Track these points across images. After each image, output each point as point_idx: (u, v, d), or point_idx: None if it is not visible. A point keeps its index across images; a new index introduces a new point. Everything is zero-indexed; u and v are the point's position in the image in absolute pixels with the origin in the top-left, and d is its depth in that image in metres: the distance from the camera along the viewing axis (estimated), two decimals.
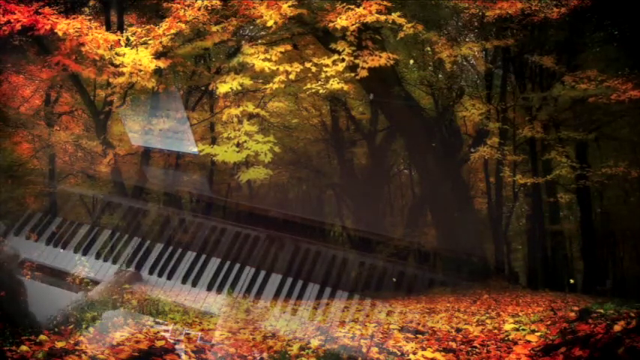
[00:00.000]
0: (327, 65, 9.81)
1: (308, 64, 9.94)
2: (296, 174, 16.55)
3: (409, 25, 9.78)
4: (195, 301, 8.52)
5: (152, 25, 10.03)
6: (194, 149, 11.46)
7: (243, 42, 11.18)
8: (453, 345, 5.68)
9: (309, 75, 10.26)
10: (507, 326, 6.32)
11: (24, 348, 4.04)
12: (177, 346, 5.01)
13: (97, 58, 9.91)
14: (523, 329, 6.04)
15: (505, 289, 10.55)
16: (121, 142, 12.24)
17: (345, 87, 9.90)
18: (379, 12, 9.47)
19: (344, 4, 9.96)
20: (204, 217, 11.27)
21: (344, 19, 9.56)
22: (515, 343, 5.53)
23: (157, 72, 10.31)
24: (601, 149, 13.59)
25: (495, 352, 5.37)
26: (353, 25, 9.54)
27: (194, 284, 9.27)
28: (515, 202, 14.35)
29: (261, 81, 11.55)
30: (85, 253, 9.58)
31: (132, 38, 9.94)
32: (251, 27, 12.25)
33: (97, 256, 9.60)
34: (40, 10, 9.22)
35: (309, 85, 10.02)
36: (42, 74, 11.47)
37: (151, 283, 9.10)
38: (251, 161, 10.93)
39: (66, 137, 12.26)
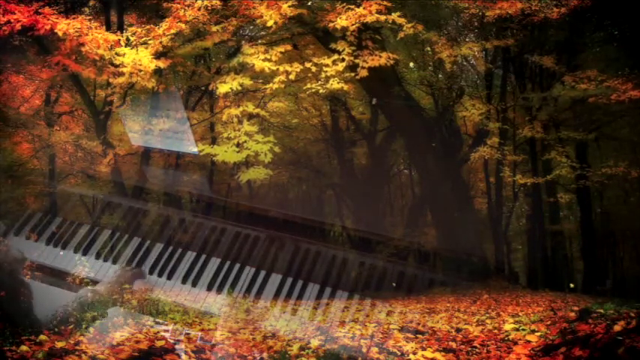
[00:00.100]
0: (327, 65, 9.81)
1: (308, 64, 9.94)
2: (296, 174, 16.55)
3: (409, 25, 9.78)
4: (195, 301, 8.52)
5: (152, 25, 10.03)
6: (194, 149, 11.46)
7: (243, 42, 11.18)
8: (453, 345, 5.68)
9: (309, 75, 10.26)
10: (507, 326, 6.32)
11: (24, 348, 4.04)
12: (177, 346, 5.01)
13: (97, 58, 9.91)
14: (523, 329, 6.04)
15: (505, 289, 10.55)
16: (121, 142, 12.23)
17: (345, 87, 9.90)
18: (379, 12, 9.47)
19: (344, 4, 9.96)
20: (204, 217, 11.26)
21: (344, 19, 9.56)
22: (515, 343, 5.53)
23: (157, 72, 10.31)
24: (601, 149, 13.59)
25: (495, 352, 5.37)
26: (353, 25, 9.54)
27: (194, 284, 9.26)
28: (515, 202, 14.35)
29: (261, 81, 11.55)
30: (85, 253, 9.57)
31: (132, 38, 9.94)
32: (251, 27, 12.25)
33: (97, 256, 9.60)
34: (40, 10, 9.21)
35: (309, 85, 10.02)
36: (42, 74, 11.47)
37: (151, 283, 9.10)
38: (251, 161, 10.93)
39: (66, 137, 12.26)
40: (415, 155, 14.00)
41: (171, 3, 9.95)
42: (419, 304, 8.72)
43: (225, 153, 10.20)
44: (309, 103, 15.37)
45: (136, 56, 9.54)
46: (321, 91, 9.82)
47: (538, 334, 5.69)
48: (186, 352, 4.94)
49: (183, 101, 12.85)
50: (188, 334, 5.67)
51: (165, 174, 13.76)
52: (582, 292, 11.75)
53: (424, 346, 5.60)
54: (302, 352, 5.18)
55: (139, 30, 10.03)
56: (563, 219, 14.86)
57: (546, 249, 12.60)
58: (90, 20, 9.77)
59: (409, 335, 6.10)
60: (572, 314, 5.98)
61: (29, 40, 10.85)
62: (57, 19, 9.26)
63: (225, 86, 10.02)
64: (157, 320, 6.06)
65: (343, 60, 9.76)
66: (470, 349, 5.54)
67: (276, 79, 9.92)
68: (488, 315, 7.46)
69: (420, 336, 6.09)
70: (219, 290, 9.14)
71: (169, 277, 9.37)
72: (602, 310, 5.20)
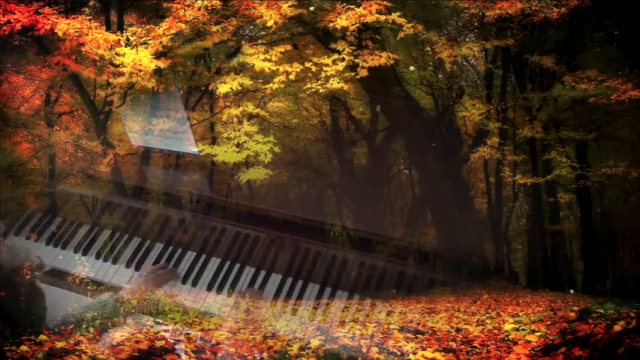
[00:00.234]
0: (327, 65, 9.81)
1: (308, 64, 9.94)
2: (296, 174, 16.55)
3: (409, 25, 9.78)
4: (195, 301, 8.51)
5: (152, 25, 10.03)
6: (194, 149, 11.45)
7: (243, 42, 11.17)
8: (453, 345, 5.67)
9: (309, 75, 10.26)
10: (507, 326, 6.32)
11: (24, 348, 4.04)
12: (177, 346, 5.01)
13: (97, 58, 9.90)
14: (523, 329, 6.04)
15: (505, 289, 10.55)
16: (121, 142, 12.23)
17: (345, 86, 9.90)
18: (379, 12, 9.47)
19: (344, 4, 9.96)
20: (204, 217, 11.26)
21: (344, 19, 9.56)
22: (515, 343, 5.53)
23: (157, 72, 10.31)
24: (601, 149, 13.59)
25: (495, 352, 5.37)
26: (353, 25, 9.54)
27: (194, 284, 9.25)
28: (515, 202, 14.35)
29: (261, 81, 11.55)
30: (85, 253, 9.55)
31: (132, 38, 9.93)
32: (251, 27, 12.25)
33: (97, 256, 9.58)
34: (40, 10, 9.21)
35: (309, 85, 10.01)
36: (42, 74, 11.46)
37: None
38: (251, 161, 10.93)
39: (66, 137, 12.25)
40: (415, 155, 14.00)
41: (171, 3, 9.95)
42: (419, 304, 8.72)
43: (225, 153, 10.19)
44: (309, 103, 15.37)
45: (136, 56, 9.54)
46: (321, 90, 9.82)
47: (538, 334, 5.69)
48: (186, 352, 4.94)
49: (183, 101, 12.85)
50: (188, 334, 5.67)
51: (165, 174, 13.75)
52: (582, 292, 11.75)
53: (424, 346, 5.60)
54: (302, 352, 5.17)
55: (139, 30, 10.02)
56: (563, 219, 14.85)
57: (546, 249, 12.60)
58: (90, 20, 9.77)
59: (409, 335, 6.10)
60: (572, 314, 5.99)
61: (29, 40, 10.84)
62: (57, 19, 9.26)
63: (225, 86, 10.02)
64: (157, 320, 6.06)
65: (343, 60, 9.76)
66: (470, 349, 5.53)
67: (276, 79, 9.92)
68: (488, 315, 7.46)
69: (420, 336, 6.09)
70: (219, 290, 9.14)
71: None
72: (602, 310, 5.20)
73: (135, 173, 13.09)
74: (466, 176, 15.00)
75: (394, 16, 9.56)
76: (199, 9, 9.68)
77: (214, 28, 10.11)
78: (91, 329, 4.91)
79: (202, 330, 6.08)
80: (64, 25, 9.12)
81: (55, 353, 4.11)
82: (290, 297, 9.06)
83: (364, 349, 5.44)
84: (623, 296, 11.09)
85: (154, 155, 13.03)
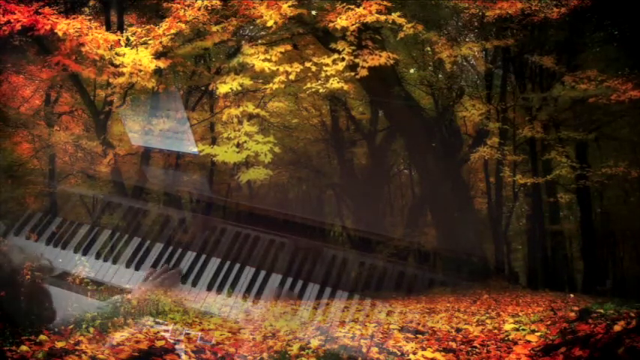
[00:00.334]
0: (327, 64, 9.81)
1: (308, 64, 9.94)
2: (296, 174, 16.55)
3: (409, 25, 9.78)
4: (195, 301, 8.51)
5: (152, 25, 10.03)
6: (194, 149, 11.45)
7: (243, 42, 11.17)
8: (453, 345, 5.68)
9: (309, 74, 10.26)
10: (507, 326, 6.32)
11: (24, 348, 4.04)
12: (177, 346, 5.01)
13: (97, 58, 9.90)
14: (523, 329, 6.04)
15: (505, 289, 10.55)
16: (121, 142, 12.23)
17: (345, 86, 9.90)
18: (379, 12, 9.47)
19: (344, 4, 9.96)
20: (204, 217, 11.26)
21: (344, 19, 9.56)
22: (515, 343, 5.53)
23: (157, 72, 10.31)
24: (601, 149, 13.58)
25: (495, 352, 5.37)
26: (353, 25, 9.54)
27: (194, 284, 9.26)
28: (515, 202, 14.35)
29: (261, 81, 11.55)
30: (85, 253, 9.56)
31: (132, 38, 9.93)
32: (251, 27, 12.25)
33: (97, 256, 9.59)
34: (40, 10, 9.21)
35: (309, 85, 10.01)
36: (42, 74, 11.46)
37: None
38: (251, 162, 10.93)
39: (66, 137, 12.25)
40: (415, 155, 14.00)
41: (171, 3, 9.95)
42: (419, 304, 8.72)
43: (225, 153, 10.20)
44: (309, 103, 15.37)
45: (136, 56, 9.54)
46: (321, 90, 9.82)
47: (538, 334, 5.69)
48: (186, 352, 4.95)
49: (183, 101, 12.85)
50: (188, 334, 5.67)
51: (165, 174, 13.75)
52: (582, 292, 11.75)
53: (424, 346, 5.60)
54: (302, 352, 5.18)
55: (139, 30, 10.02)
56: (563, 219, 14.85)
57: (546, 249, 12.59)
58: (90, 20, 9.77)
59: (409, 335, 6.10)
60: (572, 314, 5.99)
61: (29, 40, 10.84)
62: (57, 19, 9.26)
63: (225, 86, 10.01)
64: (157, 320, 6.06)
65: (343, 59, 9.76)
66: (470, 349, 5.54)
67: (276, 79, 9.92)
68: (488, 315, 7.46)
69: (420, 336, 6.09)
70: (219, 290, 9.14)
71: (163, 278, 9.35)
72: (602, 310, 5.20)
73: (135, 173, 13.09)
74: (466, 176, 15.00)
75: (394, 16, 9.56)
76: (199, 9, 9.68)
77: (214, 28, 10.11)
78: (91, 329, 4.91)
79: (202, 330, 6.09)
80: (64, 25, 9.12)
81: (55, 353, 4.11)
82: (290, 297, 9.06)
83: (364, 349, 5.44)
84: (623, 296, 11.09)
85: (154, 155, 13.03)
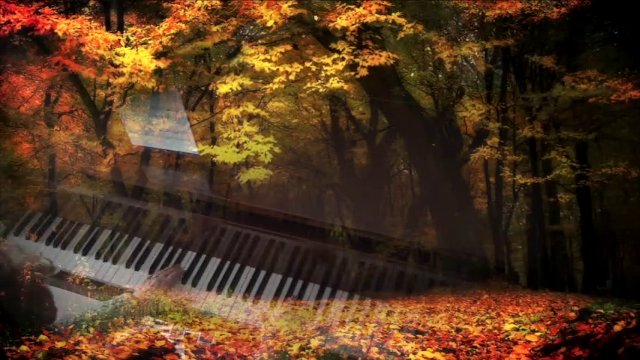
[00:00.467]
0: (327, 64, 9.81)
1: (308, 64, 9.94)
2: (296, 174, 16.54)
3: (409, 25, 9.78)
4: (195, 301, 8.52)
5: (152, 25, 10.03)
6: (194, 149, 11.46)
7: (243, 42, 11.17)
8: (453, 345, 5.68)
9: (309, 74, 10.26)
10: (507, 326, 6.32)
11: (24, 348, 4.04)
12: (177, 346, 5.01)
13: (97, 58, 9.90)
14: (523, 329, 6.04)
15: (505, 289, 10.55)
16: (121, 142, 12.23)
17: (345, 86, 9.90)
18: (379, 12, 9.47)
19: (344, 4, 9.96)
20: (204, 217, 11.27)
21: (344, 19, 9.56)
22: (515, 343, 5.54)
23: (157, 72, 10.31)
24: (601, 149, 13.58)
25: (495, 352, 5.37)
26: (353, 25, 9.54)
27: (194, 284, 9.27)
28: (515, 202, 14.34)
29: (261, 81, 11.55)
30: (85, 253, 9.58)
31: (132, 38, 9.93)
32: (251, 27, 12.25)
33: (97, 256, 9.61)
34: (40, 10, 9.21)
35: (309, 84, 10.01)
36: (42, 74, 11.47)
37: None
38: (251, 162, 10.93)
39: (66, 137, 12.25)
40: (415, 155, 14.00)
41: (171, 3, 9.95)
42: (419, 304, 8.72)
43: (225, 153, 10.20)
44: (309, 103, 15.37)
45: (136, 56, 9.54)
46: (321, 90, 9.82)
47: (538, 334, 5.69)
48: (186, 352, 4.95)
49: (183, 101, 12.85)
50: (188, 334, 5.67)
51: (165, 174, 13.75)
52: (582, 292, 11.75)
53: (424, 346, 5.60)
54: (302, 352, 5.18)
55: (139, 30, 10.02)
56: (563, 219, 14.84)
57: (546, 249, 12.59)
58: (90, 20, 9.77)
59: (409, 335, 6.10)
60: (572, 314, 5.99)
61: (29, 40, 10.84)
62: (57, 19, 9.26)
63: (225, 86, 10.02)
64: (157, 320, 6.06)
65: (343, 59, 9.76)
66: (470, 349, 5.54)
67: (276, 80, 9.92)
68: (488, 315, 7.46)
69: (420, 336, 6.09)
70: (219, 290, 9.15)
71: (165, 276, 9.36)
72: (602, 310, 5.20)
73: (135, 173, 13.09)
74: (466, 176, 15.00)
75: (394, 16, 9.56)
76: (199, 9, 9.68)
77: (214, 28, 10.11)
78: (91, 329, 4.91)
79: (202, 330, 6.09)
80: (64, 25, 9.12)
81: (55, 353, 4.11)
82: (290, 297, 9.08)
83: (364, 349, 5.44)
84: (623, 296, 11.09)
85: (154, 155, 13.03)
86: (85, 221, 10.86)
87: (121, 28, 11.36)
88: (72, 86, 12.26)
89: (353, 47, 9.92)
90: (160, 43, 9.78)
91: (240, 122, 10.47)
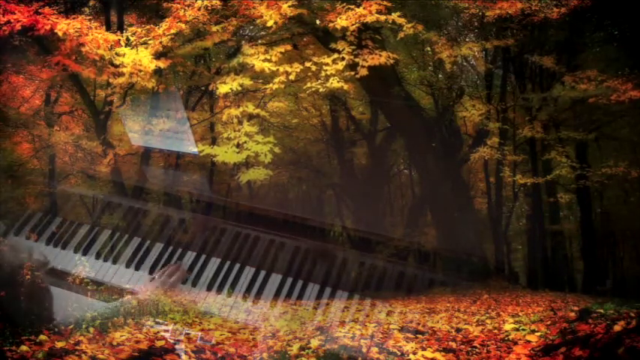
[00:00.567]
0: (327, 64, 9.81)
1: (308, 63, 9.95)
2: (296, 174, 16.55)
3: (409, 25, 9.78)
4: (195, 301, 8.51)
5: (152, 25, 10.03)
6: (194, 149, 11.45)
7: (243, 42, 11.18)
8: (453, 345, 5.67)
9: (309, 74, 10.26)
10: (507, 326, 6.32)
11: (24, 348, 4.04)
12: (177, 346, 5.01)
13: (97, 58, 9.90)
14: (523, 329, 6.04)
15: (505, 289, 10.55)
16: (121, 142, 12.23)
17: (345, 86, 9.90)
18: (379, 12, 9.48)
19: (344, 4, 9.96)
20: (204, 217, 11.26)
21: (344, 19, 9.56)
22: (515, 343, 5.53)
23: (157, 72, 10.31)
24: (601, 149, 13.59)
25: (495, 352, 5.37)
26: (353, 25, 9.54)
27: (194, 284, 9.25)
28: (515, 202, 14.35)
29: (261, 81, 11.55)
30: (85, 253, 9.56)
31: (132, 38, 9.93)
32: (251, 27, 12.25)
33: (97, 256, 9.58)
34: (40, 10, 9.21)
35: (309, 84, 10.02)
36: (42, 74, 11.46)
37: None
38: (251, 162, 10.93)
39: (66, 137, 12.25)
40: (415, 155, 14.00)
41: (171, 3, 9.95)
42: (419, 304, 8.72)
43: (225, 154, 10.20)
44: (309, 103, 15.37)
45: (136, 56, 9.54)
46: (321, 89, 9.82)
47: (538, 334, 5.69)
48: (186, 352, 4.94)
49: (183, 101, 12.85)
50: (188, 334, 5.67)
51: (165, 174, 13.75)
52: (582, 292, 11.75)
53: (424, 346, 5.60)
54: (302, 352, 5.17)
55: (139, 30, 10.02)
56: (563, 219, 14.85)
57: (546, 249, 12.60)
58: (90, 20, 9.77)
59: (409, 335, 6.10)
60: (572, 314, 5.99)
61: (29, 40, 10.84)
62: (57, 19, 9.25)
63: (225, 86, 10.02)
64: (157, 320, 6.06)
65: (343, 59, 9.76)
66: (470, 349, 5.54)
67: (276, 80, 9.92)
68: (488, 315, 7.46)
69: (420, 336, 6.09)
70: (219, 290, 9.14)
71: (169, 277, 9.35)
72: (602, 310, 5.20)
73: (135, 173, 13.09)
74: (466, 176, 15.00)
75: (394, 16, 9.56)
76: (199, 9, 9.68)
77: (214, 28, 10.11)
78: (91, 329, 4.91)
79: (202, 330, 6.09)
80: (64, 25, 9.11)
81: (55, 353, 4.10)
82: (290, 297, 9.06)
83: (364, 349, 5.44)
84: (623, 296, 11.10)
85: (154, 155, 13.03)
86: (85, 221, 10.84)
87: (121, 28, 11.36)
88: (72, 86, 12.26)
89: (353, 47, 9.92)
90: (160, 43, 9.78)
91: (240, 122, 10.48)
